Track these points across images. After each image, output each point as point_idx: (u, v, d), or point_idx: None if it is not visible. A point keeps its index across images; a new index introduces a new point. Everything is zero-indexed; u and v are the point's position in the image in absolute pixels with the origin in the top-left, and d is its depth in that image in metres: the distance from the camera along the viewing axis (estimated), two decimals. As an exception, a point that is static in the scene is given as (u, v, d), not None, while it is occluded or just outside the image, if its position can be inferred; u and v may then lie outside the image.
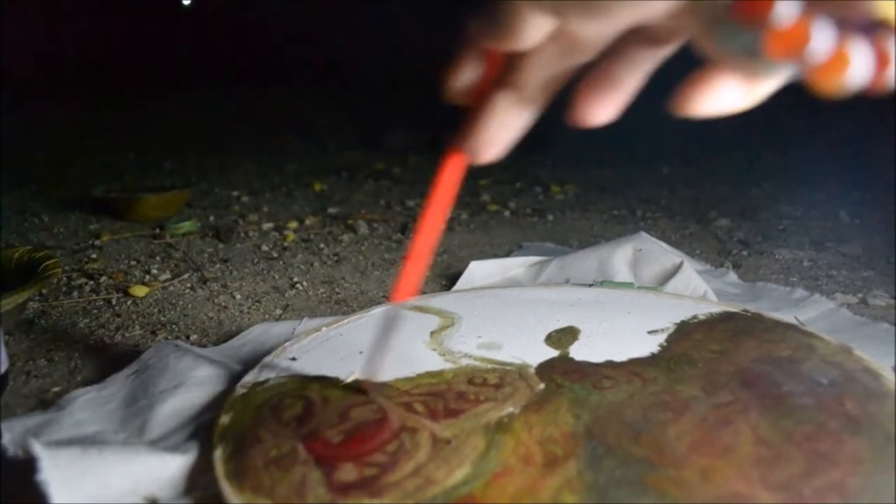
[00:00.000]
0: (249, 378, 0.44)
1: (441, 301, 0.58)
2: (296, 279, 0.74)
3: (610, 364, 0.44)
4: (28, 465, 0.32)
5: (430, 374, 0.44)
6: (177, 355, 0.50)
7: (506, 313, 0.54)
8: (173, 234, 0.91)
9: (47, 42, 3.31)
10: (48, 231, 0.96)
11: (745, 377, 0.41)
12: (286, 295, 0.70)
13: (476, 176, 1.33)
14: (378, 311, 0.56)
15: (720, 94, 0.22)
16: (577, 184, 1.27)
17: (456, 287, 0.69)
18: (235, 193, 1.20)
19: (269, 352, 0.49)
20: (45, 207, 1.08)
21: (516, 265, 0.71)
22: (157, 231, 0.93)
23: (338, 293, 0.71)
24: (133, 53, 3.65)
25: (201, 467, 0.36)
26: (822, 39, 0.18)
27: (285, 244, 0.89)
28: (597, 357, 0.45)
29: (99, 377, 0.51)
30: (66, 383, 0.51)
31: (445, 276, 0.75)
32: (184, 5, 4.18)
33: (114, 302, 0.67)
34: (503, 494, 0.32)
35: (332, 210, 1.08)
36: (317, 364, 0.46)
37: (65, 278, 0.74)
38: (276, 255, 0.84)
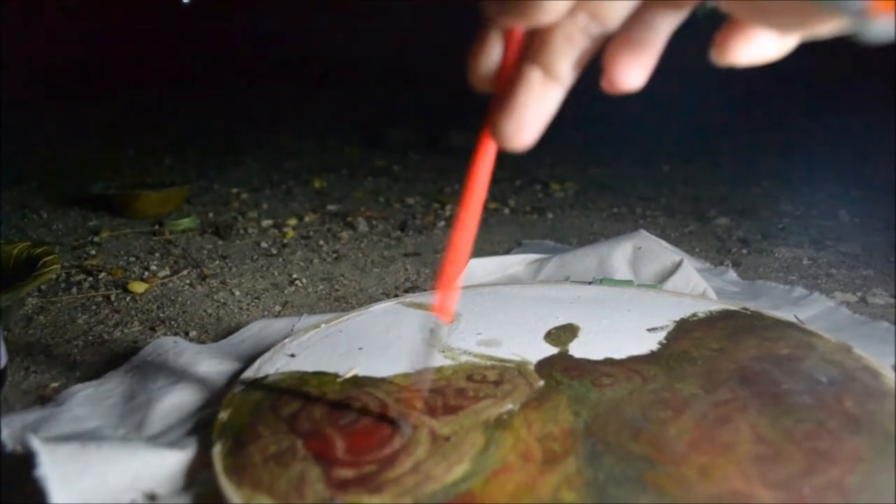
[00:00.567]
0: (248, 374, 0.44)
1: (440, 298, 0.58)
2: (295, 276, 0.74)
3: (609, 361, 0.44)
4: (27, 461, 0.32)
5: (429, 371, 0.44)
6: (176, 351, 0.50)
7: (505, 311, 0.54)
8: (172, 231, 0.91)
9: (47, 41, 3.31)
10: (47, 227, 0.96)
11: (745, 375, 0.41)
12: (285, 291, 0.70)
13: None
14: (380, 308, 0.55)
15: (757, 44, 0.22)
16: (577, 182, 1.27)
17: (455, 284, 0.69)
18: (235, 190, 1.19)
19: (267, 348, 0.49)
20: (44, 204, 1.08)
21: (516, 263, 0.71)
22: (157, 227, 0.93)
23: (337, 290, 0.70)
24: (133, 51, 3.64)
25: (200, 463, 0.36)
26: None
27: (285, 241, 0.88)
28: (596, 354, 0.45)
29: (98, 373, 0.51)
30: (65, 379, 0.51)
31: (445, 274, 0.75)
32: (183, 3, 4.17)
33: (113, 298, 0.67)
34: (502, 491, 0.31)
35: (331, 207, 1.08)
36: (315, 360, 0.46)
37: (64, 274, 0.74)
38: (275, 251, 0.84)
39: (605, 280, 0.64)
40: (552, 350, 0.46)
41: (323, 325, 0.52)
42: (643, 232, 0.71)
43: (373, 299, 0.68)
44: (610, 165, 1.43)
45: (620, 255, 0.68)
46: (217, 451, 0.36)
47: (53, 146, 1.66)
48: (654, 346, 0.46)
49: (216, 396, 0.44)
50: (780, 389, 0.39)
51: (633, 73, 0.24)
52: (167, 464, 0.36)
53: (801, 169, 1.31)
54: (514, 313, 0.54)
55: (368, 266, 0.78)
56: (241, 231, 0.93)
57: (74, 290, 0.69)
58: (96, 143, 1.72)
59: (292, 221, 0.98)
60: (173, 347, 0.50)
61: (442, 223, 0.98)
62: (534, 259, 0.72)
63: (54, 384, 0.50)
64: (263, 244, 0.87)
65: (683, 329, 0.49)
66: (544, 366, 0.44)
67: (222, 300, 0.67)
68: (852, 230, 0.91)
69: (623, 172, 1.36)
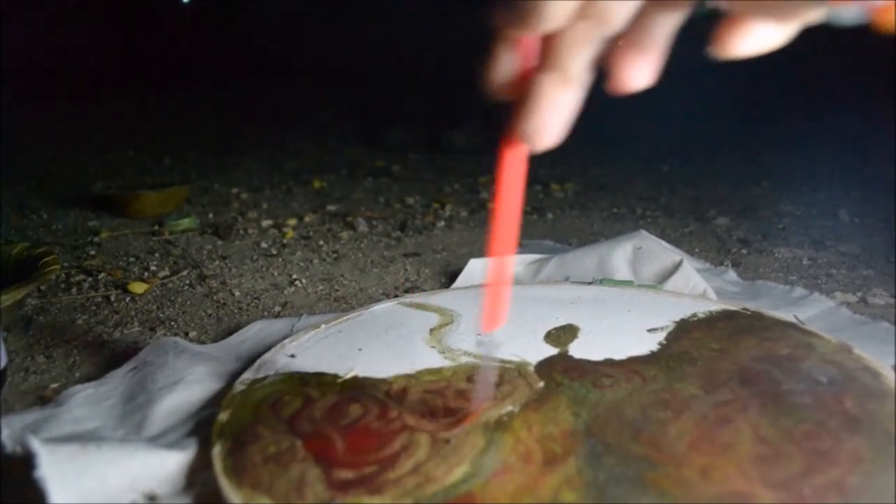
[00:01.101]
0: (248, 375, 0.44)
1: (440, 298, 0.58)
2: (295, 276, 0.74)
3: (609, 362, 0.44)
4: (26, 462, 0.32)
5: (429, 372, 0.44)
6: (175, 352, 0.50)
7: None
8: (172, 231, 0.91)
9: (47, 41, 3.31)
10: (47, 227, 0.96)
11: (745, 375, 0.41)
12: (285, 292, 0.70)
13: (476, 174, 1.32)
14: (379, 309, 0.55)
15: (754, 35, 0.23)
16: (577, 182, 1.27)
17: (455, 285, 0.69)
18: (235, 190, 1.19)
19: (267, 349, 0.49)
20: (44, 204, 1.08)
21: (516, 263, 0.71)
22: (156, 228, 0.93)
23: (337, 290, 0.70)
24: (133, 51, 3.64)
25: (200, 464, 0.36)
26: None
27: (284, 241, 0.88)
28: (596, 355, 0.45)
29: (97, 374, 0.51)
30: (65, 380, 0.51)
31: (445, 274, 0.75)
32: (183, 3, 4.17)
33: (112, 298, 0.67)
34: (502, 492, 0.31)
35: (331, 207, 1.08)
36: (315, 361, 0.46)
37: (63, 275, 0.73)
38: (275, 252, 0.84)
39: (605, 280, 0.64)
40: (552, 351, 0.46)
41: (323, 326, 0.52)
42: (643, 232, 0.71)
43: (373, 300, 0.67)
44: (610, 165, 1.43)
45: (620, 255, 0.68)
46: (217, 451, 0.36)
47: (53, 146, 1.66)
48: (654, 347, 0.46)
49: (216, 397, 0.44)
50: (780, 390, 0.39)
51: (637, 74, 0.25)
52: (167, 464, 0.36)
53: (801, 169, 1.31)
54: (514, 314, 0.53)
55: (368, 266, 0.78)
56: (241, 231, 0.93)
57: (74, 290, 0.69)
58: (96, 143, 1.72)
59: (292, 221, 0.98)
60: (173, 348, 0.50)
61: (442, 223, 0.98)
62: (534, 259, 0.71)
63: (54, 385, 0.50)
64: (263, 244, 0.87)
65: (683, 329, 0.49)
66: (544, 367, 0.44)
67: (222, 300, 0.67)
68: (852, 230, 0.91)
69: (623, 172, 1.37)
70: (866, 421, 0.36)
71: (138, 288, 0.69)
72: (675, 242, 0.80)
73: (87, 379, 0.50)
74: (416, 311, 0.55)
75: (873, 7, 0.19)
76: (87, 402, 0.45)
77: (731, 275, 0.72)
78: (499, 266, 0.32)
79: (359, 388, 0.42)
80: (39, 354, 0.55)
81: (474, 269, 0.70)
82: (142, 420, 0.42)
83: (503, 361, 0.45)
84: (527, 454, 0.34)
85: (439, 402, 0.40)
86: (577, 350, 0.46)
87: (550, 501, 0.31)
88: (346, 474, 0.33)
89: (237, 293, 0.69)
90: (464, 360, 0.45)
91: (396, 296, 0.68)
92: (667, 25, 0.25)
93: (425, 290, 0.68)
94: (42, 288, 0.69)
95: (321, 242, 0.88)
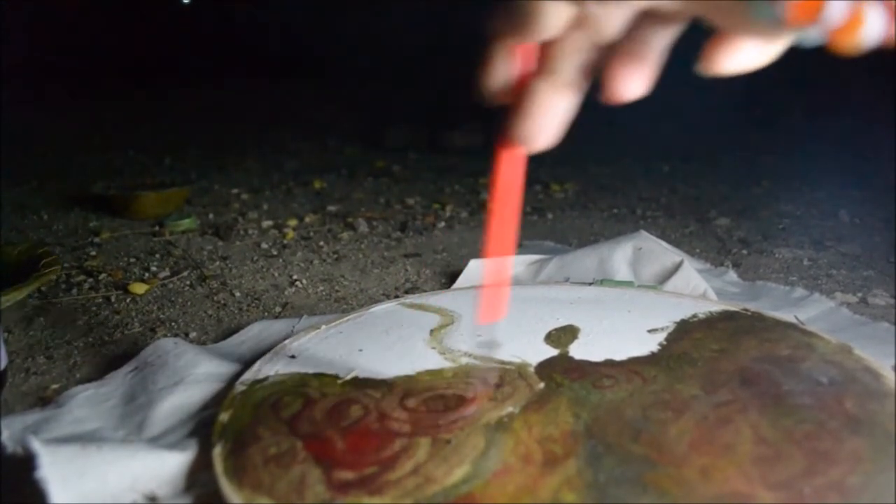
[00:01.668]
0: (248, 376, 0.44)
1: (440, 299, 0.58)
2: (295, 277, 0.74)
3: (610, 363, 0.44)
4: (27, 463, 0.32)
5: (429, 373, 0.44)
6: (176, 353, 0.50)
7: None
8: (173, 232, 0.91)
9: (47, 41, 3.31)
10: (48, 228, 0.96)
11: (745, 376, 0.41)
12: (285, 293, 0.70)
13: (476, 174, 1.32)
14: (380, 309, 0.55)
15: (741, 53, 0.23)
16: (577, 182, 1.27)
17: (455, 285, 0.69)
18: (235, 191, 1.20)
19: (268, 349, 0.49)
20: (44, 204, 1.08)
21: (516, 263, 0.71)
22: (157, 228, 0.93)
23: (337, 291, 0.70)
24: (132, 50, 3.64)
25: (200, 465, 0.36)
26: (837, 6, 0.20)
27: (285, 242, 0.88)
28: (596, 356, 0.45)
29: (98, 374, 0.51)
30: (66, 380, 0.51)
31: (445, 275, 0.75)
32: (183, 2, 4.17)
33: (113, 299, 0.67)
34: (503, 493, 0.32)
35: (331, 208, 1.08)
36: (316, 362, 0.46)
37: (64, 275, 0.73)
38: (275, 252, 0.84)
39: (605, 281, 0.64)
40: (552, 352, 0.46)
41: (323, 327, 0.52)
42: (643, 233, 0.71)
43: (373, 300, 0.68)
44: (610, 165, 1.43)
45: (621, 255, 0.68)
46: (217, 452, 0.36)
47: (53, 146, 1.66)
48: (655, 348, 0.46)
49: (216, 398, 0.44)
50: (780, 390, 0.39)
51: (631, 84, 0.26)
52: (167, 465, 0.36)
53: (801, 169, 1.31)
54: (515, 314, 0.53)
55: (369, 267, 0.78)
56: (242, 232, 0.93)
57: (75, 291, 0.69)
58: (96, 143, 1.72)
59: (292, 222, 0.98)
60: (174, 349, 0.50)
61: (442, 224, 0.98)
62: (534, 260, 0.71)
63: (54, 386, 0.50)
64: (264, 245, 0.87)
65: (684, 330, 0.49)
66: (545, 367, 0.44)
67: (222, 301, 0.67)
68: (853, 230, 0.91)
69: (623, 172, 1.37)
70: (867, 421, 0.36)
71: (139, 288, 0.69)
72: (676, 243, 0.80)
73: (88, 380, 0.50)
74: (417, 312, 0.55)
75: (830, 30, 0.20)
76: (87, 403, 0.45)
77: (732, 275, 0.72)
78: (496, 261, 0.33)
79: (359, 388, 0.42)
80: (40, 355, 0.55)
81: (474, 270, 0.70)
82: (142, 421, 0.42)
83: (503, 362, 0.45)
84: (527, 455, 0.34)
85: (440, 402, 0.40)
86: (578, 351, 0.46)
87: (551, 502, 0.31)
88: (347, 475, 0.33)
89: (238, 294, 0.69)
90: (464, 360, 0.45)
91: (397, 296, 0.68)
92: (661, 38, 0.26)
93: (425, 291, 0.68)
94: (43, 289, 0.69)
95: (321, 243, 0.88)
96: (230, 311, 0.65)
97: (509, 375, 0.43)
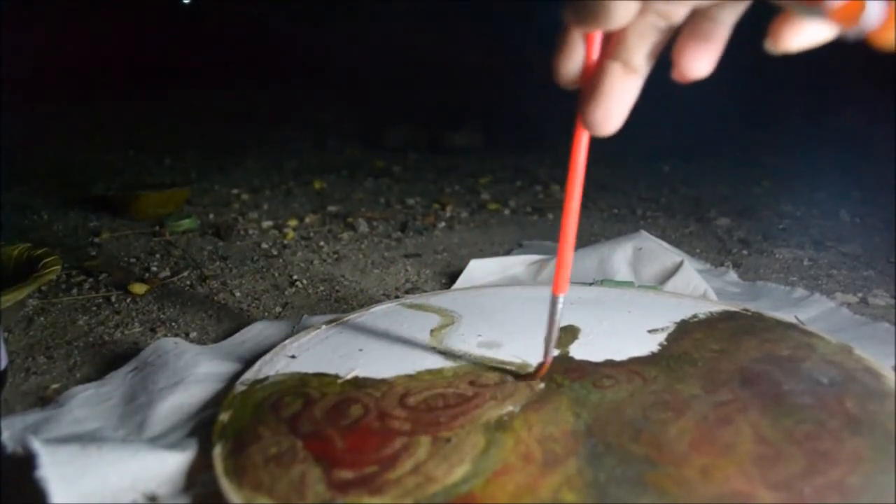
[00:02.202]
0: (249, 376, 0.44)
1: (441, 299, 0.58)
2: (295, 277, 0.74)
3: (610, 363, 0.44)
4: (27, 462, 0.32)
5: (429, 372, 0.44)
6: (176, 353, 0.50)
7: (506, 312, 0.54)
8: (173, 232, 0.91)
9: (47, 41, 3.31)
10: (48, 228, 0.96)
11: (746, 376, 0.41)
12: (286, 293, 0.70)
13: (476, 174, 1.32)
14: (380, 309, 0.55)
15: (806, 30, 0.24)
16: (577, 182, 1.27)
17: (456, 285, 0.69)
18: (235, 191, 1.19)
19: (268, 349, 0.49)
20: (44, 205, 1.08)
21: (516, 263, 0.71)
22: (157, 229, 0.93)
23: (337, 291, 0.70)
24: (132, 51, 3.64)
25: (201, 464, 0.36)
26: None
27: (285, 242, 0.88)
28: (597, 356, 0.45)
29: (98, 374, 0.51)
30: (66, 380, 0.51)
31: (445, 275, 0.75)
32: (183, 3, 4.17)
33: (113, 299, 0.67)
34: (503, 492, 0.32)
35: (331, 208, 1.08)
36: (316, 362, 0.46)
37: (64, 275, 0.73)
38: (275, 252, 0.84)
39: (605, 281, 0.64)
40: (553, 352, 0.46)
41: (323, 327, 0.52)
42: (643, 233, 0.71)
43: (373, 300, 0.67)
44: (610, 165, 1.43)
45: (621, 256, 0.68)
46: (217, 452, 0.36)
47: (53, 146, 1.66)
48: (655, 348, 0.46)
49: (216, 398, 0.44)
50: (780, 390, 0.39)
51: (700, 63, 0.27)
52: (168, 465, 0.36)
53: (801, 169, 1.31)
54: (515, 314, 0.54)
55: (369, 267, 0.78)
56: (242, 232, 0.93)
57: (75, 291, 0.69)
58: (96, 143, 1.72)
59: (293, 222, 0.98)
60: (174, 349, 0.50)
61: (442, 224, 0.98)
62: (534, 260, 0.71)
63: (55, 385, 0.50)
64: (264, 245, 0.87)
65: (684, 330, 0.49)
66: (545, 367, 0.44)
67: (222, 301, 0.67)
68: (853, 230, 0.91)
69: (623, 172, 1.37)
70: (867, 421, 0.36)
71: (139, 289, 0.69)
72: (676, 243, 0.80)
73: (88, 379, 0.50)
74: (417, 312, 0.55)
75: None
76: (87, 403, 0.45)
77: (732, 275, 0.72)
78: (567, 235, 0.35)
79: (359, 388, 0.42)
80: (40, 355, 0.55)
81: (475, 270, 0.70)
82: (142, 421, 0.42)
83: (503, 362, 0.45)
84: (527, 454, 0.34)
85: (440, 402, 0.40)
86: (578, 351, 0.46)
87: (551, 501, 0.31)
88: (347, 474, 0.33)
89: (238, 294, 0.69)
90: (464, 360, 0.45)
91: (397, 296, 0.68)
92: (728, 18, 0.26)
93: (426, 291, 0.68)
94: (43, 288, 0.69)
95: (322, 243, 0.88)
96: (230, 311, 0.65)
97: (509, 375, 0.43)
